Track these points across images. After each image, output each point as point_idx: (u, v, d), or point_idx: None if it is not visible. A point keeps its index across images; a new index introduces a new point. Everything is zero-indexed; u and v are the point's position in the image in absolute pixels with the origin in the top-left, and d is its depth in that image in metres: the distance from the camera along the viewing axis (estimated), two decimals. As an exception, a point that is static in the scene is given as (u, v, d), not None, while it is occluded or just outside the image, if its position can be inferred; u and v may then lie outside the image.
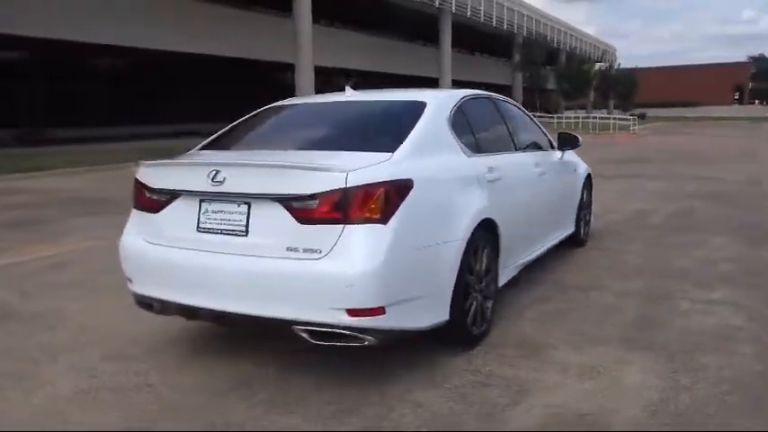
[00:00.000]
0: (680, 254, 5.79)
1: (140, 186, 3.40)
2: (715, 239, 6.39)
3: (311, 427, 2.77)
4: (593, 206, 6.53)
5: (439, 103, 3.73)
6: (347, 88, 4.20)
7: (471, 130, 3.92)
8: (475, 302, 3.49)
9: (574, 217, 5.76)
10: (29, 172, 13.98)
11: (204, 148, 3.86)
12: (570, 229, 5.65)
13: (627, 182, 11.49)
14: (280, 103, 4.34)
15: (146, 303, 3.42)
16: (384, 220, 2.86)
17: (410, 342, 3.34)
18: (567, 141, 5.39)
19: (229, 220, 3.06)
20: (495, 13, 43.72)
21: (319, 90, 27.62)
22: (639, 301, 4.41)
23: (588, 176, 6.19)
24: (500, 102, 4.73)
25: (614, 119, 40.97)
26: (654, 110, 71.96)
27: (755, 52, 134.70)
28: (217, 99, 29.62)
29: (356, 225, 2.83)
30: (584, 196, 6.02)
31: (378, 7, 35.05)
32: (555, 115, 43.26)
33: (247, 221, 3.01)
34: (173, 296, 3.23)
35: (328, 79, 31.23)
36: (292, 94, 27.56)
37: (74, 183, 12.63)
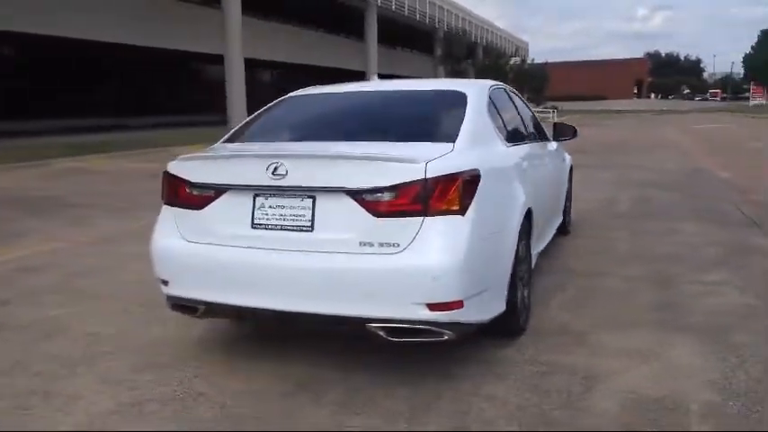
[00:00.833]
0: (661, 240, 6.05)
1: (177, 181, 3.16)
2: (685, 225, 6.73)
3: (395, 426, 2.68)
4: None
5: (476, 93, 3.70)
6: (374, 77, 4.08)
7: (502, 120, 3.92)
8: (520, 291, 3.49)
9: (563, 206, 5.90)
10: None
11: (229, 140, 3.64)
12: (560, 218, 5.78)
13: (577, 172, 11.86)
14: (302, 92, 4.14)
15: (186, 307, 3.20)
16: (462, 211, 2.80)
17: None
18: (564, 132, 5.49)
19: (291, 216, 2.90)
20: (418, 8, 44.18)
21: (248, 83, 27.16)
22: (648, 285, 4.57)
23: (571, 167, 6.35)
24: (511, 92, 4.76)
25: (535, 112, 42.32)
26: (562, 103, 75.09)
27: (650, 48, 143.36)
28: (142, 91, 28.26)
29: (436, 217, 2.75)
30: (569, 186, 6.19)
31: (306, -1, 34.64)
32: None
33: (312, 216, 2.86)
34: (223, 297, 3.03)
35: (256, 72, 30.48)
36: (222, 87, 26.74)
37: (3, 181, 11.67)
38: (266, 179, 2.88)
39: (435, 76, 51.82)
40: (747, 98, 71.98)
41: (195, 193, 3.11)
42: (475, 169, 2.94)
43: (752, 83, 68.44)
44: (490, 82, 4.17)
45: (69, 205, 8.72)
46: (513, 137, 4.06)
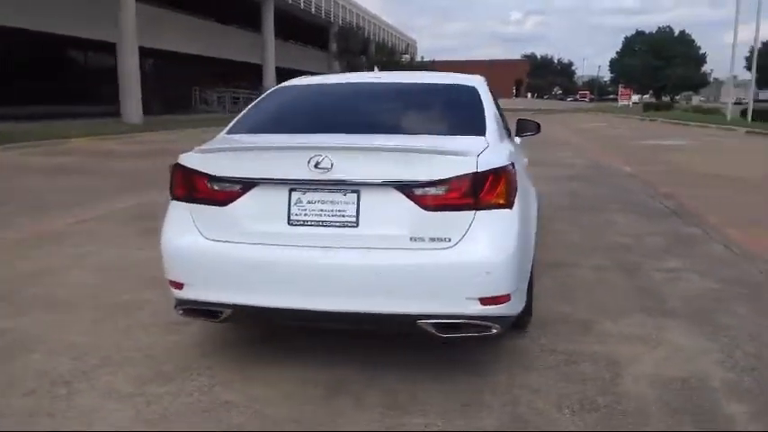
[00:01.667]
0: (606, 231, 6.41)
1: (195, 175, 2.93)
2: (618, 217, 7.18)
3: (453, 424, 2.65)
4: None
5: (482, 87, 3.71)
6: (376, 69, 3.98)
7: (501, 115, 3.97)
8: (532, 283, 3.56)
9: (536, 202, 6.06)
10: None
11: (234, 132, 3.40)
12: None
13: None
14: (301, 82, 3.93)
15: (205, 311, 2.97)
16: (510, 204, 2.81)
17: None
18: (528, 128, 5.63)
19: (333, 211, 2.77)
20: (314, 1, 43.76)
21: (144, 72, 25.62)
22: (617, 274, 4.82)
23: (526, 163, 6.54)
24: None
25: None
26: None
27: (526, 50, 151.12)
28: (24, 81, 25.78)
29: (487, 210, 2.74)
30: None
31: (204, -11, 33.21)
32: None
33: (357, 211, 2.75)
34: (253, 299, 2.85)
35: (145, 62, 28.77)
36: (114, 77, 25.04)
37: None
38: (307, 173, 2.74)
39: (331, 70, 51.73)
40: (613, 99, 77.84)
41: (218, 187, 2.89)
42: (512, 163, 2.96)
43: (621, 85, 74.04)
44: (480, 76, 4.20)
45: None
46: (506, 132, 4.13)
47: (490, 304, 2.74)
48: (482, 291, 2.71)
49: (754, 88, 36.11)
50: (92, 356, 3.30)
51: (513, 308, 2.88)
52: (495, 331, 2.81)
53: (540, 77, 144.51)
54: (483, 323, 2.77)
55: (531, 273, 3.52)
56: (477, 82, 3.78)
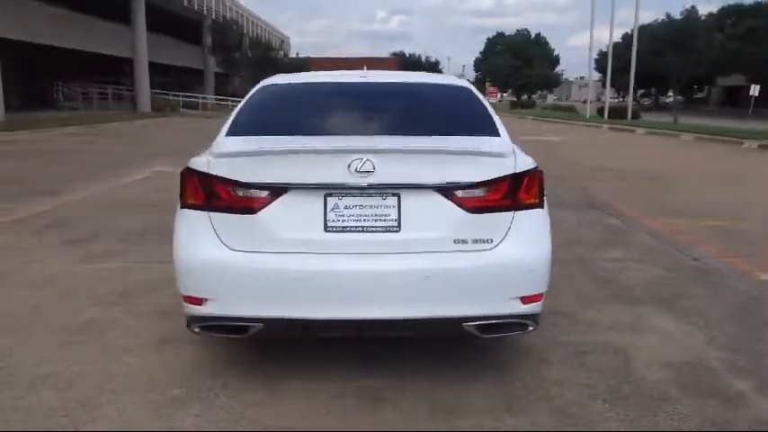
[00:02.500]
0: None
1: (217, 182, 2.70)
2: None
3: (505, 424, 2.67)
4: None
5: (473, 88, 3.73)
6: (365, 68, 3.85)
7: None
8: None
9: None
10: None
11: (235, 134, 3.11)
12: None
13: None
14: (293, 80, 3.65)
15: (230, 327, 2.75)
16: (542, 204, 2.88)
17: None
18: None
19: (373, 216, 2.68)
20: (186, -7, 41.93)
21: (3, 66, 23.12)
22: (576, 266, 5.05)
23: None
24: None
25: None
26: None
27: (393, 48, 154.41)
28: None
29: (524, 211, 2.78)
30: None
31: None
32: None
33: (399, 215, 2.68)
34: (288, 311, 2.68)
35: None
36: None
37: None
38: (346, 177, 2.62)
39: (206, 66, 49.79)
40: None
41: (244, 194, 2.68)
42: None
43: (487, 84, 77.88)
44: (461, 77, 4.23)
45: None
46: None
47: (530, 302, 2.78)
48: (524, 290, 2.75)
49: (607, 89, 39.58)
50: (87, 384, 2.95)
51: (542, 305, 2.94)
52: (531, 329, 2.86)
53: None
54: (523, 321, 2.81)
55: None
56: (465, 83, 3.81)
